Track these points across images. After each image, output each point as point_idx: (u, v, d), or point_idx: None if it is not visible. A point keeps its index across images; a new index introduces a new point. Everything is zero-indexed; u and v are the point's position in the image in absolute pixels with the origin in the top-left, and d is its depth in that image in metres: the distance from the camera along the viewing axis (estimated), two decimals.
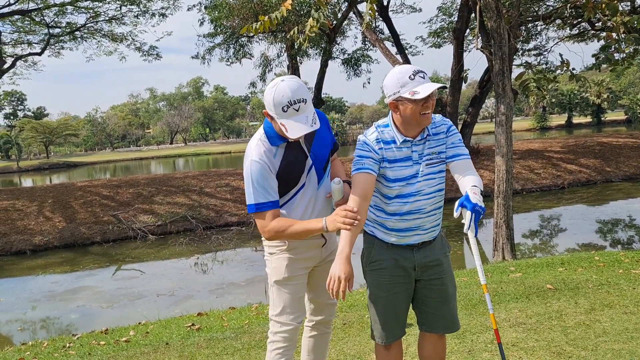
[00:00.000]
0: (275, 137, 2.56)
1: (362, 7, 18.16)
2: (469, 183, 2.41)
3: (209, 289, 8.87)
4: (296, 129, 2.43)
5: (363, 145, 2.47)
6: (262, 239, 2.79)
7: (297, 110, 2.42)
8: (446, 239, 2.73)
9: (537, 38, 20.70)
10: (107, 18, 18.78)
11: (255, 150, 2.55)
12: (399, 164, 2.46)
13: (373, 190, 2.46)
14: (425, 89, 2.32)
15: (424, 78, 2.35)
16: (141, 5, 18.31)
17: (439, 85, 2.34)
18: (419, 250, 2.56)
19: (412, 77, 2.34)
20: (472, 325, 4.13)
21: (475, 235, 2.41)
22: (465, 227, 2.34)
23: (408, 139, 2.45)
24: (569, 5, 10.14)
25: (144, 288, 9.28)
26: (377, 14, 18.01)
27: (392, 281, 2.56)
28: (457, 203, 2.37)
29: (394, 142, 2.45)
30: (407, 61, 18.61)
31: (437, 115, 2.56)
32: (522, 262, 6.64)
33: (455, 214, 2.38)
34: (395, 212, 2.51)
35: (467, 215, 2.32)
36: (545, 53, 21.02)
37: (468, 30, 17.39)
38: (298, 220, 2.54)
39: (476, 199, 2.32)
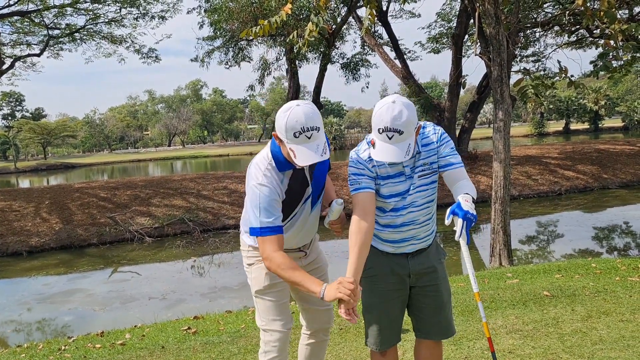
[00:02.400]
0: (283, 163, 2.47)
1: (362, 12, 18.20)
2: (462, 191, 2.41)
3: (202, 292, 8.83)
4: (305, 156, 2.33)
5: (356, 164, 2.44)
6: (242, 248, 2.79)
7: (309, 138, 2.32)
8: (441, 246, 2.73)
9: (536, 44, 20.78)
10: (106, 20, 18.79)
11: (266, 175, 2.47)
12: (392, 180, 2.45)
13: (375, 207, 2.44)
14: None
15: None
16: (141, 7, 18.33)
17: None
18: (414, 257, 2.56)
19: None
20: (468, 332, 4.13)
21: (468, 243, 2.41)
22: (457, 234, 2.34)
23: None
24: (567, 12, 10.18)
25: (136, 291, 9.23)
26: (376, 19, 18.05)
27: (387, 288, 2.56)
28: (448, 210, 2.37)
29: None
30: (405, 66, 18.66)
31: (429, 123, 2.53)
32: (519, 268, 6.64)
33: (447, 222, 2.38)
34: (388, 224, 2.51)
35: (459, 222, 2.32)
36: (543, 59, 21.10)
37: (467, 36, 17.44)
38: (301, 269, 2.44)
39: (468, 206, 2.32)
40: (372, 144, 2.34)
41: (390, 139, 2.27)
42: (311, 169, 2.61)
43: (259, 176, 2.47)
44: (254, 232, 2.47)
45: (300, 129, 2.30)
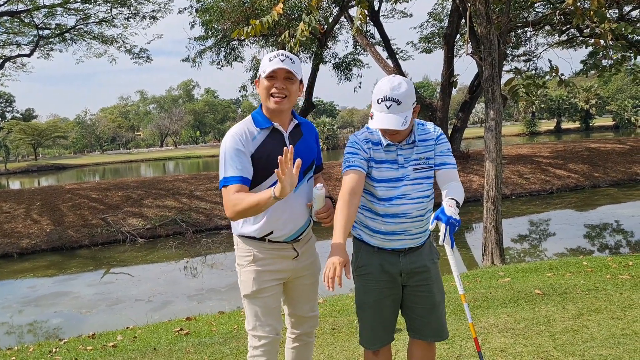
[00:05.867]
0: (262, 120, 2.57)
1: (354, 11, 18.20)
2: (449, 194, 2.47)
3: (190, 294, 8.73)
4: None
5: (353, 144, 2.53)
6: (235, 246, 2.71)
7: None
8: (435, 247, 2.73)
9: (527, 44, 20.88)
10: (97, 20, 18.69)
11: (235, 128, 2.57)
12: (385, 165, 2.51)
13: (362, 187, 2.49)
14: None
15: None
16: (132, 7, 18.25)
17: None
18: (405, 255, 2.58)
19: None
20: (460, 331, 4.14)
21: (452, 247, 2.45)
22: (441, 239, 2.39)
23: (392, 143, 2.50)
24: (558, 12, 10.23)
25: (123, 293, 9.13)
26: (367, 18, 18.06)
27: (378, 286, 2.57)
28: (432, 216, 2.42)
29: (381, 144, 2.51)
30: (397, 65, 18.69)
31: (429, 122, 2.62)
32: (511, 267, 6.67)
33: (431, 226, 2.45)
34: (380, 213, 2.54)
35: (442, 227, 2.37)
36: (534, 59, 21.20)
37: (458, 36, 17.49)
38: (251, 194, 2.46)
39: (451, 211, 2.36)
40: (371, 116, 2.43)
41: (388, 108, 2.37)
42: (293, 141, 2.62)
43: (230, 130, 2.58)
44: (221, 184, 2.53)
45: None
